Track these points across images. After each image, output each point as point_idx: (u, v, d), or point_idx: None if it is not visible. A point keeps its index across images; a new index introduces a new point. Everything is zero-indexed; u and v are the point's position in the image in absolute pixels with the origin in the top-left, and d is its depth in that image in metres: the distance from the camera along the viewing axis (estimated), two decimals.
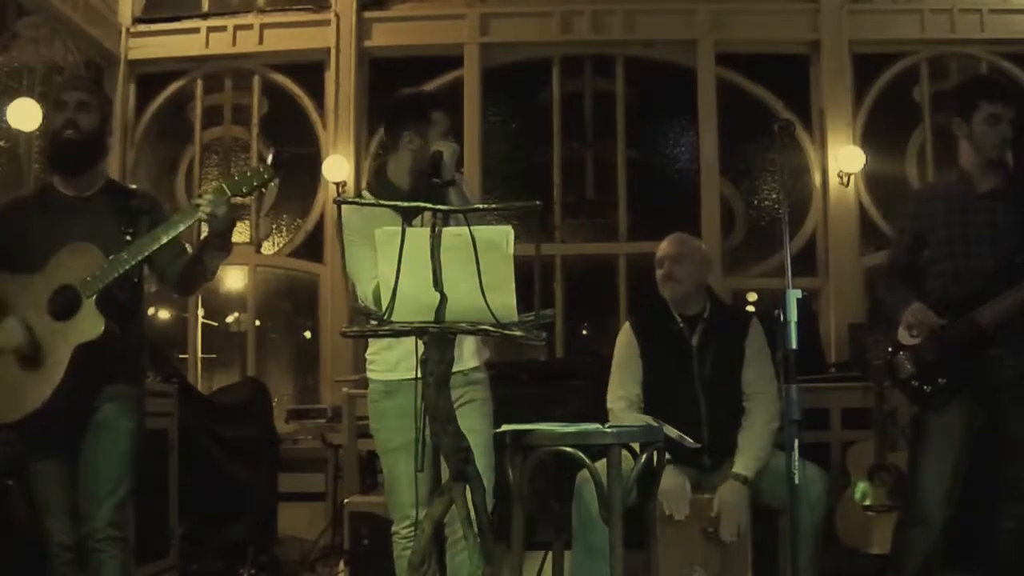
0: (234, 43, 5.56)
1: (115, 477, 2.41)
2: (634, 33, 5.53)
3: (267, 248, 5.70)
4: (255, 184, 2.41)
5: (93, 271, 2.33)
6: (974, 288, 2.66)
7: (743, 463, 2.90)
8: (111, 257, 2.35)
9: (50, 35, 4.90)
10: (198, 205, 2.35)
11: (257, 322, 5.73)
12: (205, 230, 2.43)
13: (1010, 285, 2.60)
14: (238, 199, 2.43)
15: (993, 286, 2.62)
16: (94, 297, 2.32)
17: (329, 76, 5.53)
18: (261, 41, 5.56)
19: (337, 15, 5.51)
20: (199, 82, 5.71)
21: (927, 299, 2.74)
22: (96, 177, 2.57)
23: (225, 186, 2.38)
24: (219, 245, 2.44)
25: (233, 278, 6.00)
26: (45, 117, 4.41)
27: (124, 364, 2.48)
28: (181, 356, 5.58)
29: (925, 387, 2.73)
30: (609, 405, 3.10)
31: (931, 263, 2.78)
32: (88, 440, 2.42)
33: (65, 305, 2.35)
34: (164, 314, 6.19)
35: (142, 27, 5.58)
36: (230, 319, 6.30)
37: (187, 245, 2.60)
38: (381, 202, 2.30)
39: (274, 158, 2.49)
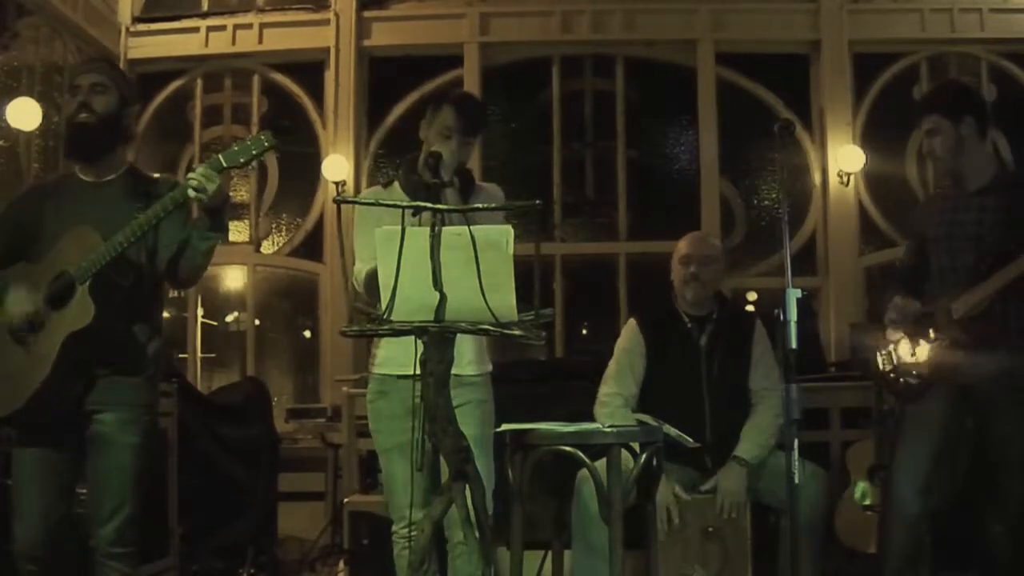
0: (234, 43, 5.56)
1: (118, 498, 2.30)
2: (634, 33, 5.53)
3: (267, 248, 5.70)
4: (254, 152, 2.26)
5: (89, 256, 2.23)
6: (957, 285, 2.67)
7: (745, 448, 2.91)
8: (107, 240, 2.23)
9: (50, 35, 4.90)
10: (191, 179, 2.24)
11: (257, 322, 5.73)
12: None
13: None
14: (235, 170, 2.32)
15: (973, 282, 2.63)
16: (87, 283, 2.21)
17: (329, 76, 5.53)
18: (261, 41, 5.56)
19: (337, 15, 5.51)
20: (199, 82, 5.71)
21: (923, 299, 2.76)
22: (116, 162, 2.46)
23: (220, 157, 2.25)
24: (211, 225, 2.32)
25: (233, 278, 6.00)
26: (45, 116, 4.42)
27: (124, 359, 2.34)
28: (181, 356, 5.58)
29: (900, 380, 2.76)
30: (601, 398, 3.08)
31: (928, 263, 2.80)
32: (91, 456, 2.32)
33: (60, 292, 2.23)
34: (164, 314, 6.19)
35: (142, 27, 5.58)
36: (230, 319, 6.30)
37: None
38: (380, 201, 2.30)
39: (273, 126, 2.35)
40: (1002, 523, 2.67)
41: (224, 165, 2.25)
